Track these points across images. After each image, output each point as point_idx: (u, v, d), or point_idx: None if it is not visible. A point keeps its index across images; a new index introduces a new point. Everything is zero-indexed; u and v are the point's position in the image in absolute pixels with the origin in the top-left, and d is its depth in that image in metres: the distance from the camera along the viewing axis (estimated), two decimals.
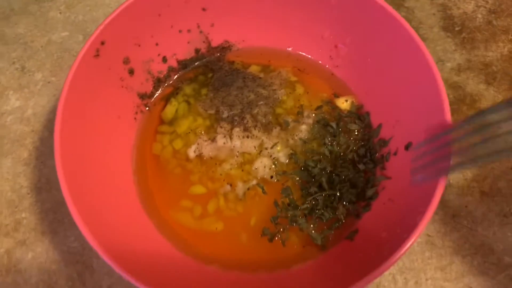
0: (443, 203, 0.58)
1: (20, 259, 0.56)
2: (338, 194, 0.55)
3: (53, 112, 0.65)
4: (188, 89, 0.63)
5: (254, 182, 0.57)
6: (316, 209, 0.55)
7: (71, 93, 0.49)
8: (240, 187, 0.56)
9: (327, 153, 0.58)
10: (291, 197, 0.56)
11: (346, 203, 0.55)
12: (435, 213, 0.57)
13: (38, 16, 0.74)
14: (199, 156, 0.58)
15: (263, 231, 0.55)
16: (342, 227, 0.54)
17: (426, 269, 0.55)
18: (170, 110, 0.61)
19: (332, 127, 0.59)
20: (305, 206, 0.55)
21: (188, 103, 0.62)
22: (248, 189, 0.56)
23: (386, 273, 0.55)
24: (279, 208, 0.55)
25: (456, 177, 0.59)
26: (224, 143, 0.58)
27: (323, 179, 0.55)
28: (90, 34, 0.54)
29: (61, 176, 0.46)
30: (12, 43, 0.72)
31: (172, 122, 0.61)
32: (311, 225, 0.54)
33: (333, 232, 0.54)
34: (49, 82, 0.68)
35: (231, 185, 0.57)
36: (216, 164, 0.58)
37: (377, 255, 0.43)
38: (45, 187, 0.60)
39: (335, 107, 0.61)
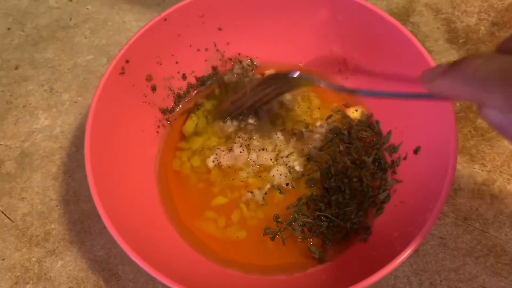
0: (454, 206, 0.60)
1: (50, 267, 0.59)
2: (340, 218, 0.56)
3: (79, 129, 0.69)
4: (208, 105, 0.66)
5: (268, 185, 0.59)
6: (320, 228, 0.56)
7: (99, 107, 0.53)
8: (258, 193, 0.59)
9: (344, 160, 0.60)
10: (313, 186, 0.59)
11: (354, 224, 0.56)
12: (447, 216, 0.59)
13: (65, 41, 0.79)
14: (218, 166, 0.61)
15: (265, 230, 0.57)
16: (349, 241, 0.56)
17: (440, 271, 0.56)
18: (190, 125, 0.64)
19: (344, 135, 0.62)
20: (309, 220, 0.57)
21: (208, 118, 0.65)
22: (266, 193, 0.59)
23: (401, 275, 0.56)
24: (292, 206, 0.58)
25: (466, 182, 0.61)
26: (240, 152, 0.61)
27: (333, 198, 0.57)
28: (113, 57, 0.57)
29: (92, 186, 0.49)
30: (41, 67, 0.76)
31: (190, 137, 0.64)
32: (310, 239, 0.56)
33: (333, 247, 0.55)
34: (75, 102, 0.72)
35: (251, 193, 0.59)
36: (235, 171, 0.60)
37: (390, 252, 0.45)
38: (72, 200, 0.64)
39: (346, 117, 0.63)
